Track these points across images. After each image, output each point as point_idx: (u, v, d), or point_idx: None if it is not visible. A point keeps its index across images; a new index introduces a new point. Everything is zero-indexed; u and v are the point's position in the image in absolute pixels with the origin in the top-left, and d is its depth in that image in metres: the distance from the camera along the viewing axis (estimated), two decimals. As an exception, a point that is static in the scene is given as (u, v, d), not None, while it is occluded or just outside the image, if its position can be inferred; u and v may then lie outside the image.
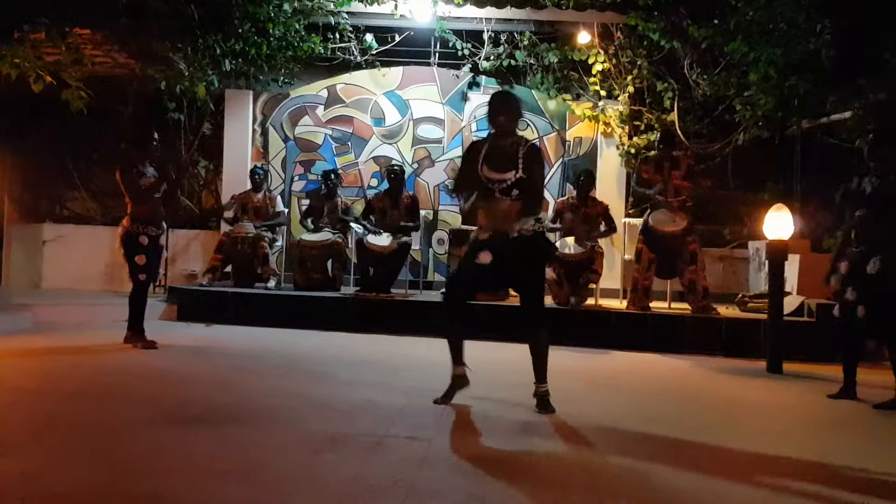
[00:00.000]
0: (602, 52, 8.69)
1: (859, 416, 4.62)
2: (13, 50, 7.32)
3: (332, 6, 8.60)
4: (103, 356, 5.65)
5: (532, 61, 8.92)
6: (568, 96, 8.98)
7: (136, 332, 6.01)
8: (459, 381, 4.32)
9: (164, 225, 6.27)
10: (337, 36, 9.03)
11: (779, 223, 6.07)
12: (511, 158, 4.17)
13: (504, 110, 4.26)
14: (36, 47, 7.51)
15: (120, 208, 6.46)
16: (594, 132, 9.04)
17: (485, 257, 4.22)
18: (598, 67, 8.69)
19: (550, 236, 7.67)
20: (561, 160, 9.21)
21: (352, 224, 8.28)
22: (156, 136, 6.16)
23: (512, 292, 7.92)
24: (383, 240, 7.84)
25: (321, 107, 9.43)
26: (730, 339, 6.74)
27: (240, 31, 8.31)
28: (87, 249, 9.15)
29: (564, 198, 8.21)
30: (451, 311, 4.40)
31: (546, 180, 9.23)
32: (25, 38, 7.46)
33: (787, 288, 6.32)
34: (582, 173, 7.94)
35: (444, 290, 4.84)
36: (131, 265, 5.97)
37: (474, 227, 4.49)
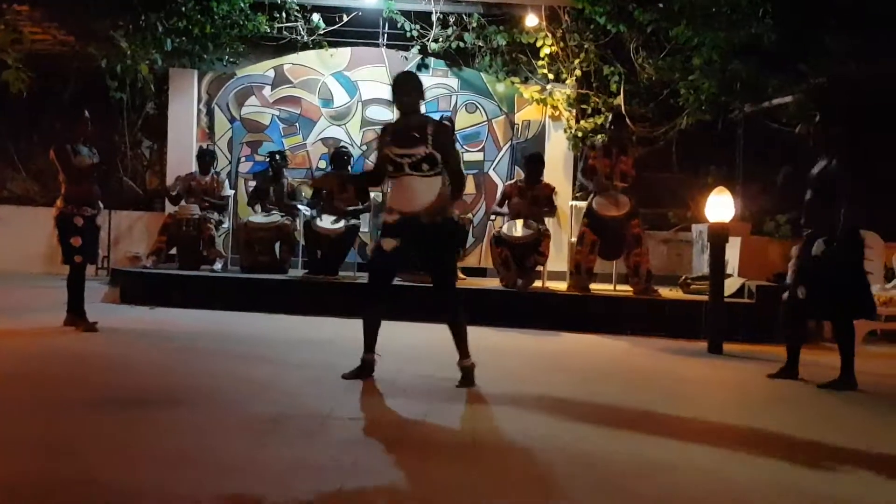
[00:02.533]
0: (550, 35, 8.73)
1: (800, 394, 4.73)
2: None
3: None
4: (42, 339, 5.52)
5: (481, 44, 8.92)
6: (516, 79, 9.01)
7: (76, 314, 5.89)
8: (366, 367, 4.37)
9: (100, 205, 6.13)
10: (283, 15, 8.90)
11: (720, 206, 6.21)
12: (420, 135, 4.22)
13: (407, 90, 4.34)
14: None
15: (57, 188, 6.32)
16: (542, 115, 9.10)
17: (387, 244, 4.26)
18: (545, 51, 8.74)
19: (499, 220, 7.75)
20: (510, 143, 9.25)
21: (299, 206, 8.21)
22: (87, 114, 6.01)
23: (462, 275, 8.07)
24: (330, 223, 7.80)
25: (268, 87, 9.31)
26: (672, 321, 6.88)
27: (183, 8, 8.12)
28: (28, 231, 8.90)
29: (513, 181, 8.25)
30: (368, 296, 4.44)
31: (494, 163, 9.30)
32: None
33: (729, 270, 6.47)
34: (530, 155, 8.01)
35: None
36: (66, 247, 5.84)
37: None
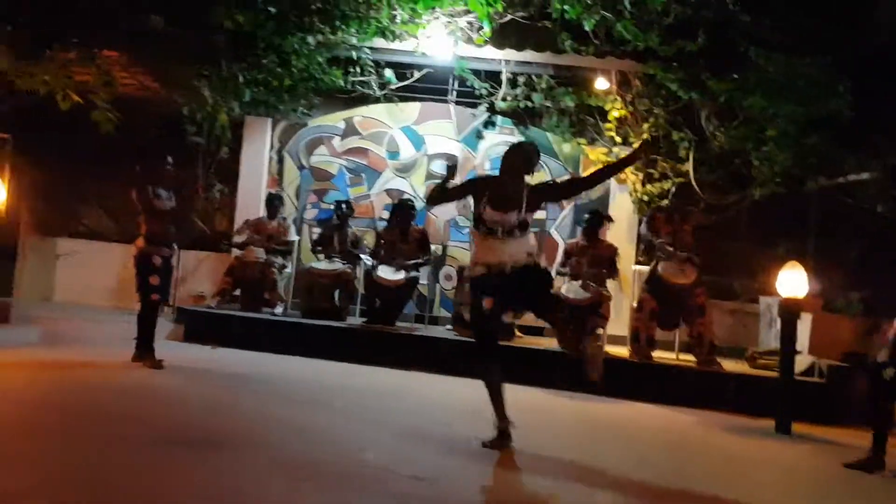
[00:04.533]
0: (619, 98, 8.74)
1: (884, 488, 4.43)
2: (43, 67, 7.43)
3: (354, 41, 8.69)
4: (108, 373, 5.67)
5: (549, 104, 8.97)
6: (583, 140, 9.02)
7: (143, 350, 6.04)
8: (505, 436, 4.25)
9: (175, 246, 6.35)
10: (357, 69, 9.12)
11: (792, 281, 6.04)
12: (516, 201, 4.28)
13: (518, 155, 4.47)
14: (65, 66, 7.62)
15: (133, 226, 6.54)
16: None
17: (487, 303, 4.28)
18: (614, 114, 8.74)
19: (558, 281, 7.68)
20: (573, 204, 9.22)
21: (361, 255, 8.30)
22: (171, 159, 6.28)
23: (519, 333, 8.01)
24: (392, 273, 7.86)
25: (337, 137, 9.51)
26: (737, 396, 6.66)
27: (264, 61, 8.41)
28: (99, 265, 9.18)
29: (574, 240, 8.20)
30: (482, 358, 4.41)
31: (556, 223, 9.27)
32: (55, 56, 7.57)
33: (798, 347, 6.26)
34: (590, 212, 7.98)
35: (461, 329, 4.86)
36: (143, 285, 6.04)
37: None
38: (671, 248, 7.17)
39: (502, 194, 4.32)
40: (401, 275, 7.86)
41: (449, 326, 8.22)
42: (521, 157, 4.47)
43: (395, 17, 8.46)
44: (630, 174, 8.80)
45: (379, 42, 8.81)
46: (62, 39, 7.69)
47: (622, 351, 7.38)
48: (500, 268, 4.24)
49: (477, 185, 4.56)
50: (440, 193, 4.56)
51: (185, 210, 8.66)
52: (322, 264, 8.27)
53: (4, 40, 7.48)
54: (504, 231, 4.25)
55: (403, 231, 8.20)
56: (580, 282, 7.39)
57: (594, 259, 7.60)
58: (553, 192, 5.14)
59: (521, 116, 9.11)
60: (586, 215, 8.03)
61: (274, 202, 8.72)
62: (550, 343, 7.52)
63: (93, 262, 9.26)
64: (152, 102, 9.02)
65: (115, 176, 9.57)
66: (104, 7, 7.65)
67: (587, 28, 8.00)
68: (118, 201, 9.61)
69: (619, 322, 8.08)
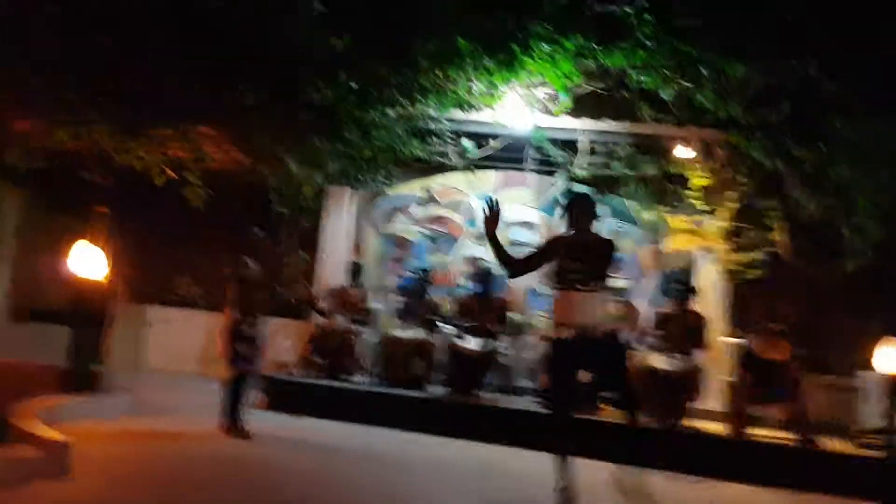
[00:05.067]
0: (702, 166, 8.66)
1: None
2: (140, 144, 7.82)
3: (433, 112, 8.89)
4: (199, 442, 5.78)
5: (628, 171, 8.95)
6: (664, 208, 8.94)
7: (231, 420, 6.13)
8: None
9: (262, 315, 6.49)
10: (436, 139, 9.30)
11: (891, 356, 5.80)
12: (587, 250, 4.38)
13: (584, 209, 4.57)
14: (161, 142, 7.99)
15: (221, 294, 6.72)
16: (692, 246, 8.92)
17: (583, 377, 4.25)
18: (696, 183, 8.65)
19: (646, 351, 7.52)
20: (657, 272, 9.10)
21: (440, 324, 8.32)
22: (258, 230, 6.48)
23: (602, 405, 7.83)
24: (472, 342, 7.84)
25: (417, 205, 9.66)
26: (840, 477, 6.34)
27: (346, 134, 8.66)
28: (186, 332, 9.45)
29: (662, 309, 8.05)
30: (561, 424, 4.35)
31: (640, 292, 9.12)
32: (152, 133, 7.96)
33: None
34: (678, 281, 7.84)
35: (545, 401, 4.84)
36: (232, 354, 6.16)
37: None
38: (765, 322, 7.00)
39: (579, 242, 4.41)
40: (482, 344, 7.84)
41: (532, 398, 8.12)
42: (588, 206, 4.57)
43: (472, 89, 8.63)
44: (715, 242, 8.65)
45: (457, 113, 8.98)
46: (159, 117, 8.07)
47: (716, 427, 7.14)
48: (585, 329, 4.25)
49: (553, 245, 4.60)
50: (518, 263, 4.57)
51: (272, 279, 8.92)
52: (402, 333, 8.32)
53: (105, 118, 7.90)
54: (585, 281, 4.29)
55: (484, 300, 8.20)
56: (670, 353, 7.23)
57: (683, 330, 7.44)
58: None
59: (600, 184, 9.10)
60: (674, 284, 7.88)
61: (355, 271, 8.87)
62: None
63: (183, 330, 9.53)
64: (241, 174, 9.37)
65: (206, 245, 9.96)
66: (199, 85, 8.03)
67: (665, 98, 8.00)
68: (208, 270, 9.95)
69: (710, 397, 7.84)
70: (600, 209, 4.83)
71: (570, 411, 4.44)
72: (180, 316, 9.71)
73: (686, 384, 7.07)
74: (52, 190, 8.84)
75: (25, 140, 7.81)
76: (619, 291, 8.93)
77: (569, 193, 4.99)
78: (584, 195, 4.91)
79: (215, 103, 7.80)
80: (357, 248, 9.68)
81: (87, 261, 7.57)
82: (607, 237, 4.73)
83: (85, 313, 7.48)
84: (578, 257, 4.36)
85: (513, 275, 4.66)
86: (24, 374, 7.24)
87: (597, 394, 7.53)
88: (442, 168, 9.50)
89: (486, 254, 9.43)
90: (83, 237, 8.14)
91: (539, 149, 9.20)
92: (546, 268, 4.62)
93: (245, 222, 8.70)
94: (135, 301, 9.77)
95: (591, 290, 4.30)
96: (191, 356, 9.43)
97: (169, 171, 7.80)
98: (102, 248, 7.92)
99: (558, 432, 4.37)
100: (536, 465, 5.94)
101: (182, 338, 9.49)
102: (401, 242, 9.67)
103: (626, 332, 7.43)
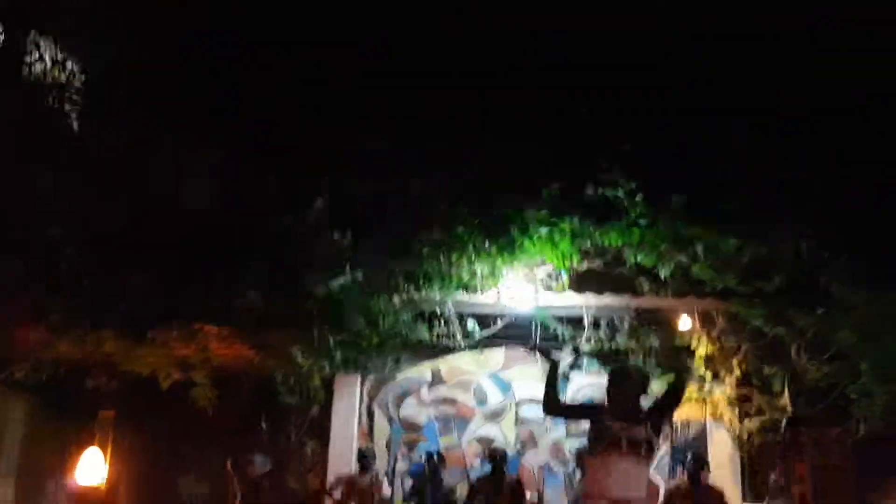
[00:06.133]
0: (705, 335, 8.74)
1: None
2: (146, 349, 7.92)
3: (437, 297, 9.07)
4: None
5: (633, 344, 9.02)
6: (672, 377, 8.92)
7: None
8: None
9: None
10: (441, 322, 9.42)
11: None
12: (640, 411, 4.28)
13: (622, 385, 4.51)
14: (166, 345, 8.09)
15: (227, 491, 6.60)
16: (703, 414, 8.86)
17: None
18: (700, 352, 8.71)
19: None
20: (669, 443, 8.97)
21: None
22: (265, 426, 6.45)
23: None
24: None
25: (425, 387, 9.67)
26: None
27: (352, 323, 8.79)
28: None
29: (675, 483, 7.87)
30: None
31: (653, 465, 8.94)
32: (157, 337, 8.07)
33: None
34: (692, 454, 7.70)
35: None
36: None
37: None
38: (783, 485, 6.83)
39: (625, 402, 4.23)
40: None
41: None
42: (635, 380, 4.47)
43: (475, 272, 8.84)
44: (725, 410, 8.60)
45: (461, 295, 9.15)
46: (164, 320, 8.20)
47: None
48: None
49: (595, 406, 4.49)
50: (558, 404, 4.47)
51: (282, 472, 8.76)
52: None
53: (109, 325, 8.02)
54: (629, 445, 4.05)
55: (497, 481, 8.04)
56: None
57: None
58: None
59: (607, 357, 9.14)
60: (688, 456, 7.76)
61: (365, 458, 8.73)
62: None
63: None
64: (247, 368, 9.42)
65: (213, 440, 9.82)
66: (204, 287, 8.24)
67: (662, 275, 8.20)
68: (216, 466, 9.75)
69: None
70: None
71: None
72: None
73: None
74: (57, 397, 8.83)
75: (31, 352, 7.89)
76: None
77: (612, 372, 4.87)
78: (621, 369, 4.80)
79: (219, 303, 7.99)
80: (367, 433, 9.58)
81: (91, 468, 7.52)
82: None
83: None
84: (625, 417, 4.21)
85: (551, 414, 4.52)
86: None
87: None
88: (449, 349, 9.56)
89: (497, 433, 9.36)
90: (89, 442, 8.12)
91: (545, 324, 9.31)
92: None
93: (253, 415, 8.66)
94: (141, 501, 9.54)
95: (637, 456, 4.10)
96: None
97: (175, 374, 7.83)
98: (106, 453, 7.89)
99: None
100: None
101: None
102: (411, 426, 9.58)
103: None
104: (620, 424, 4.21)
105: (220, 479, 9.33)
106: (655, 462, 8.85)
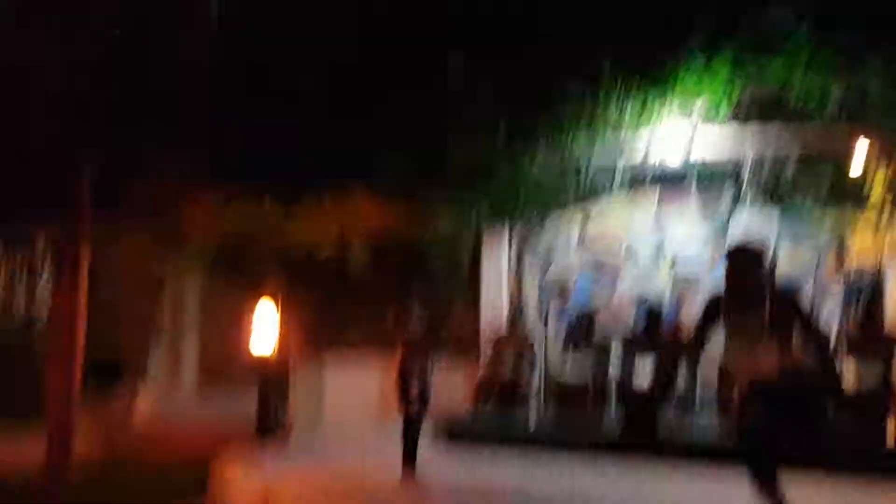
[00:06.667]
0: (882, 164, 7.88)
1: None
2: (303, 216, 8.13)
3: (584, 140, 8.65)
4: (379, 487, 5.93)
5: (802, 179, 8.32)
6: (845, 211, 8.22)
7: (408, 467, 6.21)
8: None
9: (435, 358, 6.58)
10: (590, 169, 9.04)
11: None
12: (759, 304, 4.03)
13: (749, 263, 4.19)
14: (320, 210, 8.27)
15: (390, 339, 6.83)
16: (879, 249, 8.12)
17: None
18: (879, 179, 7.87)
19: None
20: (841, 282, 8.34)
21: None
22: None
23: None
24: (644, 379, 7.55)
25: (575, 238, 9.45)
26: None
27: (497, 176, 8.62)
28: (366, 378, 9.62)
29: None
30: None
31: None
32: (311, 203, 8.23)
33: None
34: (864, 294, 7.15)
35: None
36: (404, 398, 6.27)
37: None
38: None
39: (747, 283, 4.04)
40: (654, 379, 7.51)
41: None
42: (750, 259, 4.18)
43: (623, 109, 8.30)
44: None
45: (609, 136, 8.67)
46: (315, 186, 8.36)
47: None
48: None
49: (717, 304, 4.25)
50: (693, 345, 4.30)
51: (437, 322, 8.99)
52: (569, 376, 8.14)
53: (267, 189, 8.27)
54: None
55: (652, 337, 7.89)
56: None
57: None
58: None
59: (773, 194, 8.48)
60: (860, 297, 7.18)
61: (517, 311, 8.82)
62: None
63: (359, 376, 9.74)
64: (397, 234, 9.53)
65: (371, 293, 10.17)
66: (352, 149, 8.27)
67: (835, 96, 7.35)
68: (375, 317, 10.12)
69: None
70: (765, 253, 4.35)
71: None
72: (355, 361, 9.93)
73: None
74: (227, 262, 9.37)
75: (201, 219, 8.31)
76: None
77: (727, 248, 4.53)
78: (742, 248, 4.44)
79: (368, 165, 8.03)
80: (517, 285, 9.59)
81: (266, 323, 8.03)
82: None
83: (268, 371, 7.94)
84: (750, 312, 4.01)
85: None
86: (219, 432, 7.79)
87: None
88: (599, 196, 9.21)
89: (650, 288, 9.02)
90: (260, 303, 8.63)
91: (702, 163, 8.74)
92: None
93: (405, 278, 8.85)
94: (310, 352, 10.12)
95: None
96: (371, 403, 9.60)
97: (331, 244, 8.06)
98: (277, 311, 8.37)
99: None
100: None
101: (360, 384, 9.67)
102: (561, 278, 9.47)
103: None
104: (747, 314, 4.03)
105: (381, 330, 9.73)
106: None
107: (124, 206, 6.84)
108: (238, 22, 7.04)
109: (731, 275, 4.21)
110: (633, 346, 8.00)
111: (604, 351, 8.32)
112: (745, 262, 4.20)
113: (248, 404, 8.45)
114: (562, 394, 8.07)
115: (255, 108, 7.22)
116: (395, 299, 6.57)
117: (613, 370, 7.96)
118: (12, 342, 9.01)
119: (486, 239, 9.57)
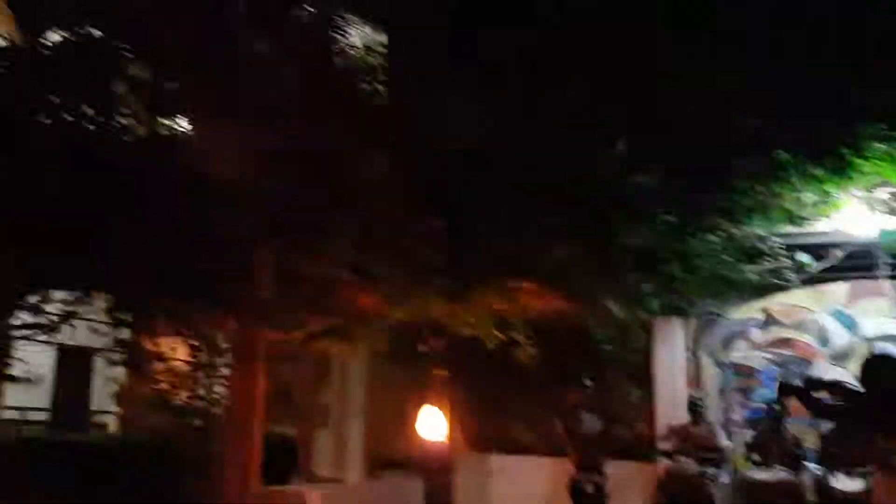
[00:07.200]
0: None
1: None
2: (468, 308, 8.26)
3: (761, 231, 8.32)
4: None
5: None
6: None
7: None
8: None
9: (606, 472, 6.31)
10: (768, 258, 8.64)
11: None
12: None
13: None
14: (484, 303, 8.36)
15: (555, 440, 6.64)
16: None
17: None
18: None
19: None
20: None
21: (805, 461, 7.44)
22: (589, 382, 6.39)
23: None
24: (847, 482, 6.85)
25: (756, 329, 8.97)
26: None
27: (667, 268, 8.42)
28: (530, 481, 9.44)
29: None
30: None
31: None
32: (475, 297, 8.33)
33: None
34: None
35: None
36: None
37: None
38: None
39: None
40: (859, 483, 6.80)
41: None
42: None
43: (801, 200, 7.96)
44: None
45: (788, 227, 8.32)
46: (479, 280, 8.47)
47: None
48: None
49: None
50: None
51: (607, 421, 8.69)
52: (760, 473, 7.56)
53: (433, 285, 8.47)
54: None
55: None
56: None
57: None
58: None
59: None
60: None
61: (697, 406, 8.35)
62: None
63: (523, 478, 9.55)
64: (562, 320, 9.46)
65: (536, 389, 10.06)
66: (516, 241, 8.37)
67: None
68: (541, 416, 9.95)
69: None
70: None
71: None
72: (520, 463, 9.76)
73: None
74: (394, 354, 9.60)
75: (369, 317, 8.61)
76: None
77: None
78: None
79: (532, 257, 8.08)
80: (695, 380, 9.15)
81: (432, 421, 8.13)
82: None
83: (433, 468, 7.96)
84: None
85: None
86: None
87: None
88: (781, 286, 8.75)
89: (846, 377, 8.36)
90: (425, 398, 8.76)
91: (892, 254, 8.13)
92: None
93: (572, 367, 8.69)
94: (475, 451, 10.08)
95: None
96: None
97: (497, 334, 8.10)
98: (443, 408, 8.44)
99: None
100: None
101: (525, 487, 9.48)
102: (744, 371, 8.95)
103: None
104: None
105: (547, 430, 9.57)
106: None
107: (300, 294, 7.14)
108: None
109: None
110: (830, 441, 7.31)
111: (799, 445, 7.66)
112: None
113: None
114: (756, 496, 7.47)
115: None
116: (564, 395, 6.40)
117: (812, 468, 7.28)
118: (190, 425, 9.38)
119: (657, 329, 9.27)
